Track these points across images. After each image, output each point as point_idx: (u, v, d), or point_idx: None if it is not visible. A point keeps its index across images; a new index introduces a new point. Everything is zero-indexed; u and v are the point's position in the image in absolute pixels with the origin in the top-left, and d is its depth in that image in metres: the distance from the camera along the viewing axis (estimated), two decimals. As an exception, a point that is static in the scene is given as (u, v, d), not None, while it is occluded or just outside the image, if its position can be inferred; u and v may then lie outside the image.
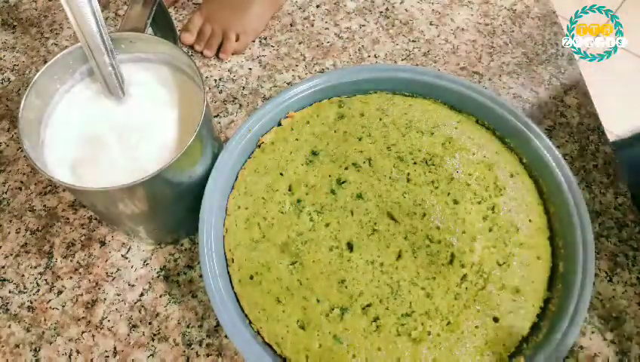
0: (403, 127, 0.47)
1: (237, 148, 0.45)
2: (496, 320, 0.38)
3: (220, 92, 0.57)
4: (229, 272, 0.41)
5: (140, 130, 0.39)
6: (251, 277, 0.40)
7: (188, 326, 0.43)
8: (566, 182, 0.42)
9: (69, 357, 0.42)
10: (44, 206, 0.50)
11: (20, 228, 0.48)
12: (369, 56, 0.60)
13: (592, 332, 0.42)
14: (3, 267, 0.46)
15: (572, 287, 0.38)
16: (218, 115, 0.55)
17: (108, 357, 0.42)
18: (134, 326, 0.43)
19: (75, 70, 0.41)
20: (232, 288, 0.41)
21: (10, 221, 0.49)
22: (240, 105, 0.56)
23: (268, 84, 0.57)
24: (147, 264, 0.46)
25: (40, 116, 0.39)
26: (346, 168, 0.44)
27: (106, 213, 0.42)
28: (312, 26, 0.63)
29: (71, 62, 0.40)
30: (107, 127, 0.39)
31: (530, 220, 0.42)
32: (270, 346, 0.38)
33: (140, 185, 0.34)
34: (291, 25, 0.63)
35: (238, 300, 0.40)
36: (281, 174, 0.44)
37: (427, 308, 0.38)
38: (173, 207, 0.42)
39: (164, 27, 0.48)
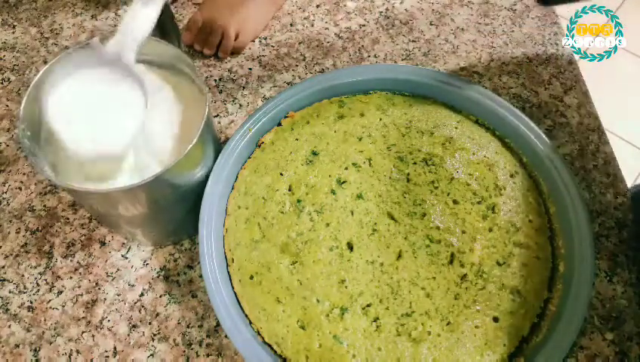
0: (403, 127, 0.47)
1: (237, 148, 0.45)
2: (496, 320, 0.38)
3: (220, 92, 0.57)
4: (229, 272, 0.41)
5: (141, 133, 0.39)
6: (251, 277, 0.40)
7: (188, 326, 0.43)
8: (566, 182, 0.42)
9: (69, 357, 0.42)
10: (44, 206, 0.50)
11: (19, 228, 0.48)
12: (369, 56, 0.60)
13: (592, 332, 0.42)
14: (3, 267, 0.46)
15: (572, 287, 0.38)
16: (218, 115, 0.55)
17: (108, 357, 0.42)
18: (134, 326, 0.43)
19: (75, 71, 0.41)
20: (232, 288, 0.41)
21: (10, 221, 0.49)
22: (240, 105, 0.56)
23: (268, 84, 0.57)
24: (147, 264, 0.46)
25: (40, 117, 0.39)
26: (346, 168, 0.44)
27: (106, 216, 0.42)
28: (312, 26, 0.63)
29: (72, 63, 0.40)
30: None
31: (530, 220, 0.42)
32: (270, 346, 0.38)
33: (141, 187, 0.34)
34: (291, 25, 0.63)
35: (238, 300, 0.40)
36: (281, 174, 0.44)
37: (427, 308, 0.38)
38: (174, 208, 0.42)
39: (167, 29, 0.48)
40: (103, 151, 0.36)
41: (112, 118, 0.37)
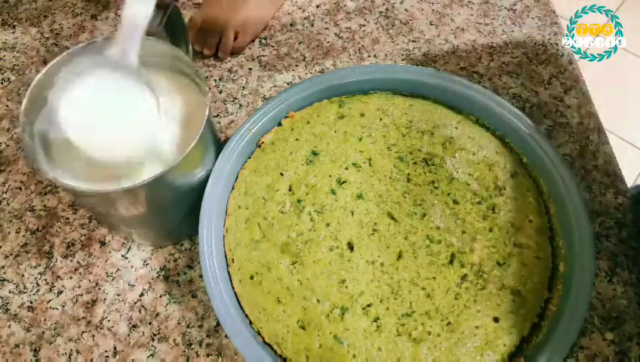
0: (403, 127, 0.47)
1: (237, 149, 0.45)
2: (496, 320, 0.38)
3: (220, 92, 0.57)
4: (229, 272, 0.41)
5: (154, 139, 0.39)
6: (251, 277, 0.40)
7: (188, 326, 0.43)
8: (566, 182, 0.42)
9: (69, 357, 0.42)
10: (44, 206, 0.50)
11: (20, 228, 0.48)
12: (369, 56, 0.60)
13: (592, 332, 0.42)
14: (3, 267, 0.46)
15: (572, 287, 0.38)
16: (218, 115, 0.55)
17: (108, 357, 0.42)
18: (134, 326, 0.43)
19: (77, 71, 0.41)
20: (233, 288, 0.41)
21: (10, 221, 0.49)
22: (240, 105, 0.56)
23: (268, 84, 0.57)
24: (147, 264, 0.46)
25: (40, 115, 0.39)
26: (347, 168, 0.44)
27: (106, 216, 0.42)
28: (312, 25, 0.63)
29: (73, 63, 0.40)
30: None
31: (530, 220, 0.42)
32: (270, 346, 0.38)
33: (141, 187, 0.34)
34: (291, 25, 0.63)
35: (238, 300, 0.40)
36: (282, 174, 0.44)
37: (427, 308, 0.38)
38: (174, 209, 0.42)
39: (177, 30, 0.48)
40: (121, 158, 0.36)
41: (126, 124, 0.37)
